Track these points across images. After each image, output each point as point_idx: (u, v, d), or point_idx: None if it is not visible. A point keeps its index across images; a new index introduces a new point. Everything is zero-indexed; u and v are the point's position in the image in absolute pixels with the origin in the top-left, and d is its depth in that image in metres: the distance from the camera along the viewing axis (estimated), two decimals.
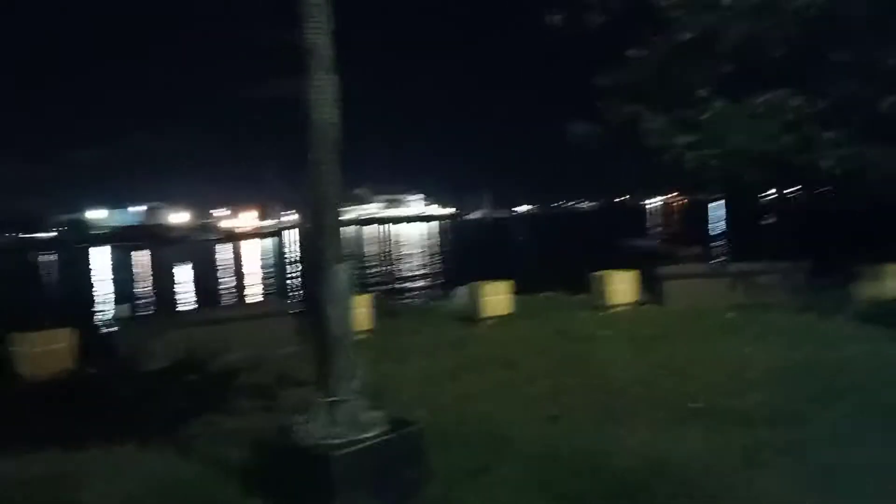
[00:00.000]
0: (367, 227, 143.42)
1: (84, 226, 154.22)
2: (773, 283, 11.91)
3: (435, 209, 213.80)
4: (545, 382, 7.26)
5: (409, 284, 36.82)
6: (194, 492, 4.75)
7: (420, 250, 69.79)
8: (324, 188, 4.55)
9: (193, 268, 55.89)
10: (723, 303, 11.17)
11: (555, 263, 29.10)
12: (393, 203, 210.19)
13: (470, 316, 11.83)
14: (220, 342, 9.34)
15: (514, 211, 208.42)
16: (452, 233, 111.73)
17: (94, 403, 7.42)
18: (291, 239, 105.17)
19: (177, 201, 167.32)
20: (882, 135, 11.25)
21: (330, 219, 4.59)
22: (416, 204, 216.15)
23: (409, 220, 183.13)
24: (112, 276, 55.45)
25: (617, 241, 42.11)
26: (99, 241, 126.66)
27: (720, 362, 7.70)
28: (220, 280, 45.64)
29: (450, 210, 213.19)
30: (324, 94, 4.54)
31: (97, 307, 32.34)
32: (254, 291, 39.01)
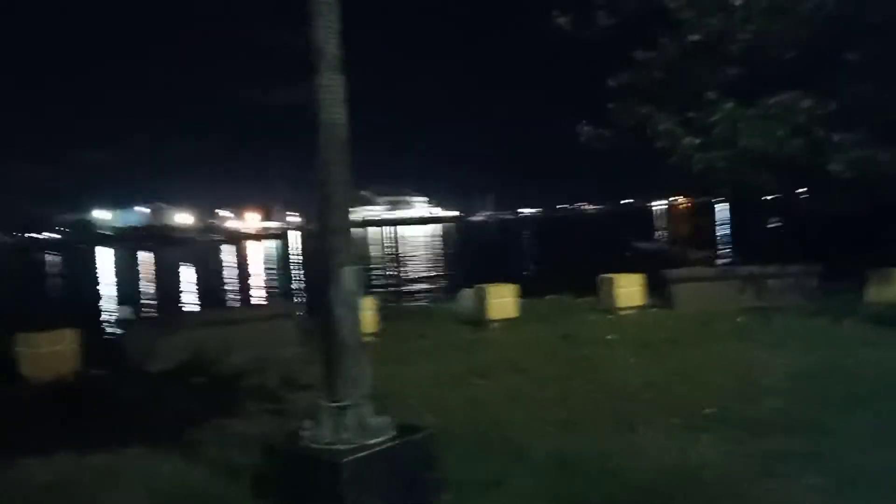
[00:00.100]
0: (371, 228, 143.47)
1: (90, 226, 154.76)
2: (785, 287, 11.80)
3: (438, 211, 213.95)
4: (555, 387, 7.15)
5: (413, 287, 36.74)
6: (202, 497, 4.66)
7: (424, 252, 69.72)
8: (333, 189, 4.47)
9: (199, 269, 55.93)
10: (733, 306, 11.06)
11: (560, 266, 29.02)
12: (396, 205, 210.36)
13: (476, 319, 11.72)
14: (225, 344, 9.28)
15: (520, 212, 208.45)
16: (457, 234, 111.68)
17: (99, 406, 7.33)
18: (296, 241, 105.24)
19: (180, 202, 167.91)
20: (894, 137, 11.14)
21: (339, 220, 4.51)
22: (419, 206, 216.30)
23: (412, 222, 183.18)
24: (117, 277, 55.53)
25: (624, 242, 41.94)
26: (104, 241, 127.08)
27: (733, 367, 7.58)
28: (225, 281, 45.66)
29: (453, 212, 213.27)
30: (333, 93, 4.47)
31: (102, 308, 32.33)
32: (259, 293, 39.01)
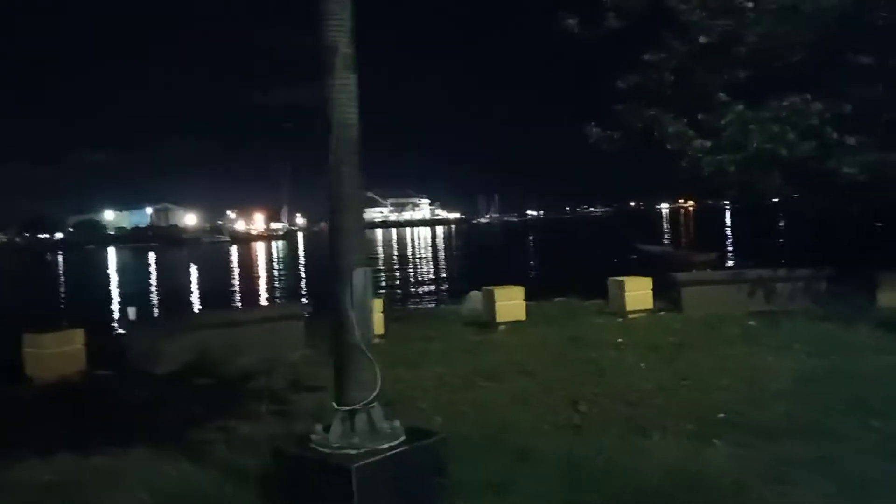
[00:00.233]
0: (376, 230, 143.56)
1: (98, 226, 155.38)
2: (794, 290, 11.72)
3: (443, 213, 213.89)
4: (564, 391, 7.09)
5: (420, 289, 36.70)
6: (206, 500, 4.63)
7: (430, 254, 69.70)
8: (344, 189, 4.43)
9: (206, 270, 56.02)
10: (742, 310, 10.99)
11: (567, 268, 28.95)
12: (401, 207, 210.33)
13: (483, 321, 11.69)
14: (232, 345, 9.26)
15: (527, 214, 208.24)
16: (462, 237, 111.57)
17: (103, 407, 7.32)
18: (303, 242, 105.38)
19: (186, 203, 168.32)
20: None
21: (351, 221, 4.47)
22: (424, 208, 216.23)
23: (417, 224, 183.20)
24: (123, 278, 55.65)
25: (630, 245, 41.79)
26: (112, 242, 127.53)
27: (744, 372, 7.51)
28: (232, 282, 45.71)
29: (458, 214, 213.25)
30: (345, 93, 4.43)
31: (109, 308, 32.39)
32: (266, 294, 39.02)
